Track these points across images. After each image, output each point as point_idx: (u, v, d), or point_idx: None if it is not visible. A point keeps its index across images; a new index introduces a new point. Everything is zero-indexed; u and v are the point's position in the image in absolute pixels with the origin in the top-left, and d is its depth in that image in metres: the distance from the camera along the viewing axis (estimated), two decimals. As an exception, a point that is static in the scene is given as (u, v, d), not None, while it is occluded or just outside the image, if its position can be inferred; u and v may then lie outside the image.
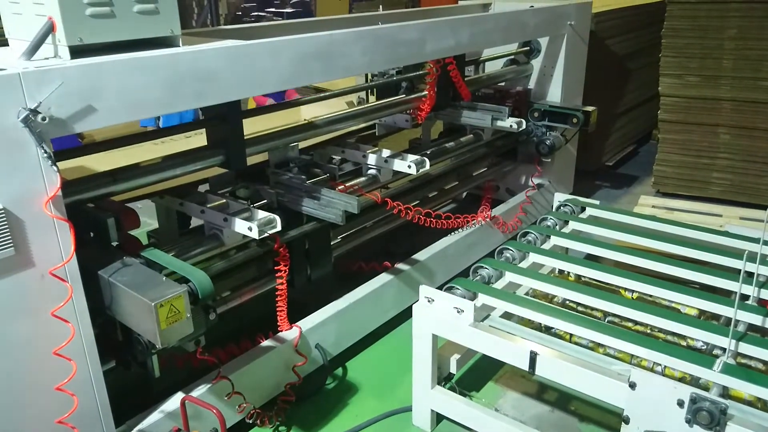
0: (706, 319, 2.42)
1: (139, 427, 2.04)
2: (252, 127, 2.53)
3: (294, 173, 2.63)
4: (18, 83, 1.53)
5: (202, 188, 2.57)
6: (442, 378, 2.64)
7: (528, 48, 4.10)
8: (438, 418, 2.47)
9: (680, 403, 1.75)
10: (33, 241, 1.63)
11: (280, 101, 3.94)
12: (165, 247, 2.20)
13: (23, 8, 1.81)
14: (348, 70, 2.50)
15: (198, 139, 2.50)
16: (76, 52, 1.74)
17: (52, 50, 1.77)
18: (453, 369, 2.66)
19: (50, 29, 1.72)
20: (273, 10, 11.81)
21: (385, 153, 2.87)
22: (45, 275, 1.67)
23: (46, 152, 1.59)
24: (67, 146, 2.14)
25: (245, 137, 2.46)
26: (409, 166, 2.78)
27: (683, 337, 2.35)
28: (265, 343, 2.49)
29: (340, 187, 2.69)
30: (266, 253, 2.62)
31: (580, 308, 2.64)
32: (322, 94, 3.09)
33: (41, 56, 1.76)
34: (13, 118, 1.53)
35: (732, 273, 2.53)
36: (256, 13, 11.63)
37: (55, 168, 1.62)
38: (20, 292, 1.64)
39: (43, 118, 1.56)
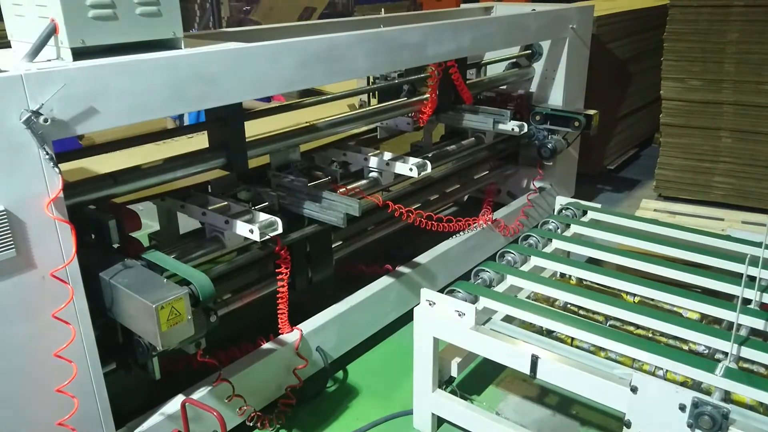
0: (708, 323, 2.41)
1: (140, 429, 2.04)
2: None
3: (295, 176, 2.63)
4: (20, 85, 1.53)
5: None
6: (443, 381, 2.63)
7: (530, 51, 4.10)
8: (439, 421, 2.47)
9: (682, 408, 1.74)
10: (34, 242, 1.63)
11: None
12: (166, 249, 2.20)
13: (26, 10, 1.81)
14: (350, 72, 2.50)
15: (199, 139, 2.50)
16: (79, 54, 1.75)
17: (55, 52, 1.77)
18: (454, 372, 2.66)
19: (53, 31, 1.72)
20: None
21: (387, 156, 2.87)
22: (46, 277, 1.67)
23: (47, 154, 1.59)
24: (66, 148, 2.14)
25: (247, 139, 2.46)
26: (411, 169, 2.77)
27: (685, 341, 2.35)
28: (266, 345, 2.49)
29: (341, 190, 2.69)
30: (267, 256, 2.63)
31: (581, 312, 2.63)
32: (323, 97, 3.09)
33: (43, 58, 1.76)
34: (15, 119, 1.53)
35: (734, 277, 2.53)
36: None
37: (56, 170, 1.62)
38: (21, 293, 1.64)
39: (45, 120, 1.56)
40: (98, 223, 2.03)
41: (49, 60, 1.77)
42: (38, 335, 1.70)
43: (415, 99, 3.38)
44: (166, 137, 2.64)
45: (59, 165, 1.63)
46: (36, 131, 1.56)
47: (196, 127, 2.60)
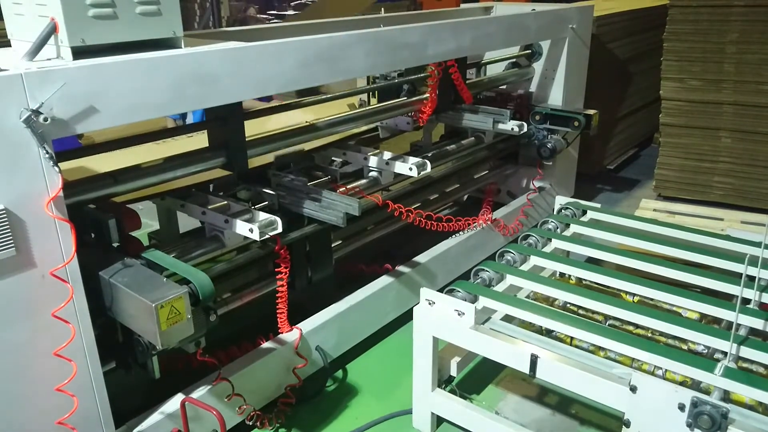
0: (707, 323, 2.41)
1: (139, 428, 2.04)
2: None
3: (295, 175, 2.63)
4: (20, 84, 1.53)
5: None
6: (443, 381, 2.63)
7: (529, 51, 4.10)
8: (438, 420, 2.47)
9: (681, 407, 1.74)
10: (34, 241, 1.64)
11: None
12: (166, 249, 2.20)
13: (26, 9, 1.81)
14: (350, 72, 2.50)
15: (200, 138, 2.50)
16: (79, 53, 1.75)
17: (55, 51, 1.78)
18: (453, 372, 2.66)
19: (53, 30, 1.73)
20: (275, 12, 11.85)
21: (387, 155, 2.87)
22: (46, 276, 1.67)
23: (47, 153, 1.59)
24: (66, 147, 2.14)
25: (246, 139, 2.46)
26: (411, 169, 2.78)
27: (684, 341, 2.35)
28: (266, 344, 2.49)
29: (341, 189, 2.69)
30: (267, 255, 2.63)
31: (581, 311, 2.63)
32: (322, 96, 3.09)
33: (43, 57, 1.76)
34: (15, 118, 1.53)
35: (733, 277, 2.53)
36: (259, 16, 11.67)
37: (56, 169, 1.62)
38: (21, 292, 1.64)
39: (45, 119, 1.56)
40: (98, 222, 2.03)
41: (49, 59, 1.77)
42: (38, 334, 1.70)
43: (414, 98, 3.39)
44: (166, 136, 2.64)
45: (59, 164, 1.63)
46: (36, 130, 1.56)
47: (196, 126, 2.60)
